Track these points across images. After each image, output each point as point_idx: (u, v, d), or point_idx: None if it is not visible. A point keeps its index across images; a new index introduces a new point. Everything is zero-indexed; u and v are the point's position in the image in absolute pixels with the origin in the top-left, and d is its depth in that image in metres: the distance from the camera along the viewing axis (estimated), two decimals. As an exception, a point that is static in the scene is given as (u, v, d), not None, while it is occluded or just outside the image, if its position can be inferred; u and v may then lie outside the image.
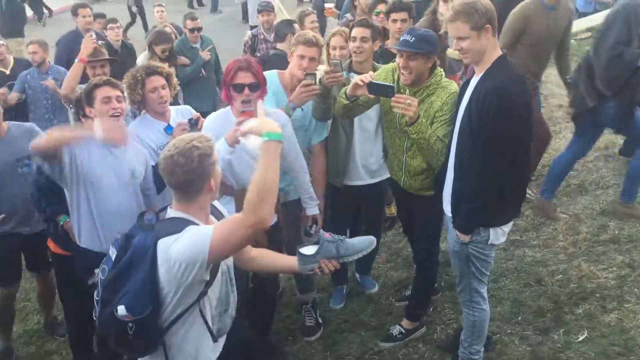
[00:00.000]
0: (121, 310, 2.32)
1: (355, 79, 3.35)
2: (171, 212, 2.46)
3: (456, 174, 3.23)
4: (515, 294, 4.41)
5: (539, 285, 4.48)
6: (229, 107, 3.55)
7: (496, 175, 3.06)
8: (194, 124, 3.57)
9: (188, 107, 4.09)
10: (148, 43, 6.11)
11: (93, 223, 3.32)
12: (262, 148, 2.30)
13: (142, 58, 6.26)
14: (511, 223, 3.33)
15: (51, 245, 3.78)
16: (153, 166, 3.45)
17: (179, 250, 2.26)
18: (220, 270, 2.52)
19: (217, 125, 3.44)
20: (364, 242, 2.73)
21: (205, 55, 6.64)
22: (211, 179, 2.41)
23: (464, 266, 3.37)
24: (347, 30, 4.20)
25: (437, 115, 3.39)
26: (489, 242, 3.24)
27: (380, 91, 3.29)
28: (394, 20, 4.99)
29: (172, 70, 3.89)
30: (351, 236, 4.50)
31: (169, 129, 3.68)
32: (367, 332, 4.23)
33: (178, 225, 2.35)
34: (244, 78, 3.34)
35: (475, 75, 3.16)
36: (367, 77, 3.30)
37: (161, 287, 2.32)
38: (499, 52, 3.09)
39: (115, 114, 3.29)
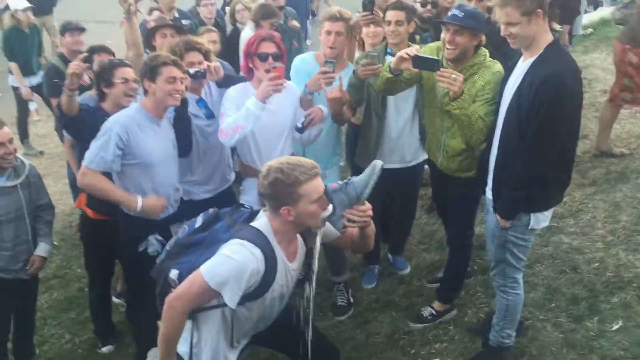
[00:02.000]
0: (173, 274, 2.55)
1: (401, 52, 3.33)
2: (261, 217, 2.60)
3: (500, 159, 3.20)
4: (550, 281, 4.37)
5: (575, 272, 4.42)
6: (248, 82, 3.65)
7: (543, 164, 3.02)
8: (197, 75, 3.56)
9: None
10: (254, 19, 5.56)
11: (144, 195, 3.40)
12: None
13: (247, 32, 5.68)
14: (552, 209, 3.29)
15: (88, 210, 3.83)
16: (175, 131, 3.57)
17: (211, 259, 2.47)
18: (268, 296, 2.59)
19: (240, 97, 3.54)
20: (368, 171, 2.63)
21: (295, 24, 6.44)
22: (286, 207, 2.46)
23: (501, 251, 3.35)
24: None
25: (479, 94, 3.35)
26: (529, 227, 3.21)
27: (426, 65, 3.25)
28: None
29: (211, 47, 3.92)
30: (386, 223, 4.58)
31: (200, 103, 3.73)
32: (398, 312, 4.25)
33: (252, 236, 2.47)
34: (269, 48, 3.52)
35: (523, 60, 3.09)
36: (413, 50, 3.27)
37: None
38: (550, 37, 3.01)
39: (177, 95, 3.33)
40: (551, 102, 2.90)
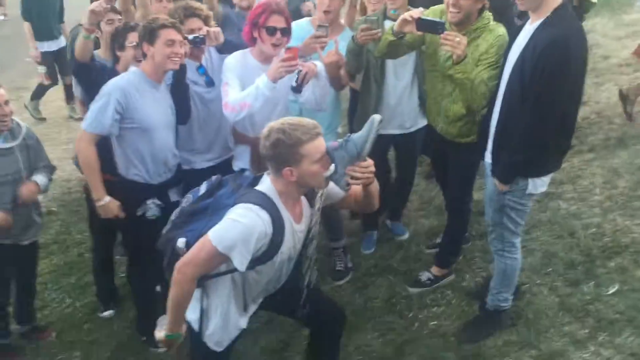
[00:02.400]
0: (180, 242, 2.52)
1: (404, 14, 3.28)
2: (265, 181, 2.57)
3: (501, 124, 3.17)
4: (547, 246, 4.39)
5: (572, 237, 4.44)
6: (247, 50, 3.55)
7: (543, 129, 2.99)
8: (195, 41, 3.50)
9: None
10: None
11: (142, 159, 3.41)
12: None
13: None
14: (551, 174, 3.29)
15: None
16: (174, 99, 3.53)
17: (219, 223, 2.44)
18: (277, 258, 2.58)
19: (240, 66, 3.48)
20: (367, 127, 2.56)
21: None
22: (288, 167, 2.44)
23: (499, 215, 3.36)
24: None
25: (482, 57, 3.32)
26: (527, 192, 3.21)
27: (429, 27, 3.20)
28: None
29: (211, 13, 3.86)
30: (385, 191, 4.56)
31: (201, 70, 3.68)
32: (396, 277, 4.29)
33: (257, 199, 2.45)
34: (278, 22, 3.37)
35: (530, 22, 3.04)
36: (417, 12, 3.22)
37: None
38: (557, 1, 2.95)
39: (176, 59, 3.29)
40: (554, 66, 2.85)
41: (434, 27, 3.17)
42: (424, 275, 4.18)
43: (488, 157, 3.32)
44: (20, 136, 3.54)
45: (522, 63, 2.99)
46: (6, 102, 3.40)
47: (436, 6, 3.61)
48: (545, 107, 2.94)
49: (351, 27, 4.12)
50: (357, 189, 2.68)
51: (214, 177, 2.71)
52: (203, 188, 2.68)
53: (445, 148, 3.83)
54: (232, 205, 2.45)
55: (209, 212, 2.55)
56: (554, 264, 4.20)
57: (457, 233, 4.12)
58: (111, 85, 3.29)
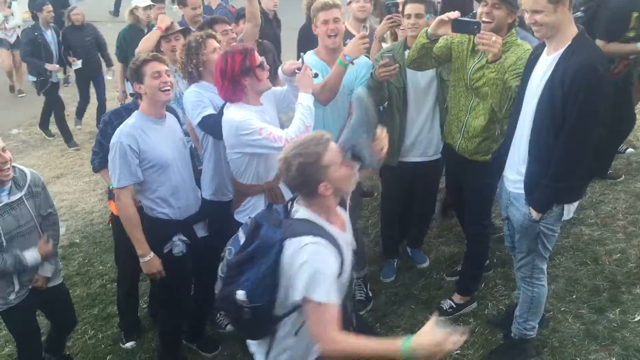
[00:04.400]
0: (240, 295, 2.36)
1: (441, 15, 3.33)
2: (299, 209, 2.47)
3: (533, 154, 3.14)
4: (571, 272, 4.34)
5: (596, 264, 4.39)
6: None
7: (582, 155, 2.98)
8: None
9: None
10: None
11: (164, 197, 3.44)
12: None
13: None
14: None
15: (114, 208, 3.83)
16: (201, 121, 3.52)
17: (301, 276, 2.28)
18: (343, 278, 2.50)
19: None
20: (357, 105, 2.53)
21: None
22: (322, 184, 2.36)
23: (532, 243, 3.30)
24: None
25: (511, 68, 3.34)
26: (563, 218, 3.19)
27: (465, 28, 3.23)
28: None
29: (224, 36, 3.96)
30: (405, 219, 4.59)
31: None
32: (418, 305, 4.25)
33: (305, 228, 2.36)
34: (258, 55, 3.33)
35: (547, 53, 3.04)
36: (453, 14, 3.27)
37: (280, 282, 2.35)
38: (576, 29, 2.97)
39: (166, 89, 3.35)
40: (589, 92, 2.85)
41: (470, 28, 3.20)
42: (446, 304, 4.14)
43: (514, 187, 3.29)
44: (26, 184, 3.40)
45: (550, 91, 2.97)
46: (3, 149, 3.22)
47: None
48: (582, 134, 2.93)
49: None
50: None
51: (248, 221, 2.58)
52: (242, 235, 2.54)
53: (461, 170, 3.83)
54: (281, 241, 2.34)
55: (257, 255, 2.41)
56: (578, 291, 4.14)
57: (477, 260, 4.09)
58: (117, 135, 3.32)
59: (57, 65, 7.97)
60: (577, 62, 2.87)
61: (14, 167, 3.32)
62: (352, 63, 3.61)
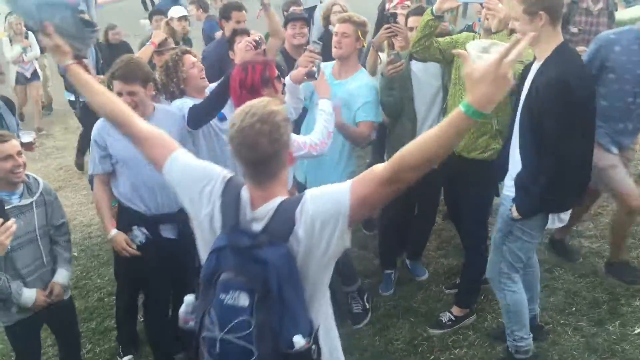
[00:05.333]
0: (298, 341, 1.86)
1: None
2: (259, 209, 1.98)
3: (523, 162, 3.16)
4: (570, 285, 4.33)
5: (595, 276, 4.38)
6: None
7: (565, 169, 2.98)
8: (260, 43, 3.57)
9: None
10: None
11: (135, 190, 3.54)
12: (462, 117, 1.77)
13: None
14: (570, 211, 3.27)
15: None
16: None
17: (317, 207, 1.90)
18: None
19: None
20: None
21: None
22: (287, 151, 2.03)
23: (500, 239, 3.33)
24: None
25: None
26: (544, 226, 3.20)
27: None
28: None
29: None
30: (404, 230, 4.60)
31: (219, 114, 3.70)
32: (417, 318, 4.23)
33: (284, 219, 1.93)
34: (274, 66, 3.35)
35: (536, 61, 3.10)
36: None
37: (302, 276, 1.94)
38: (558, 41, 2.99)
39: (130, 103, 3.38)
40: (558, 107, 2.88)
41: None
42: (445, 316, 4.12)
43: (506, 190, 3.31)
44: (38, 191, 3.39)
45: (528, 102, 3.03)
46: (19, 153, 3.28)
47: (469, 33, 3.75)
48: (561, 149, 2.95)
49: (371, 70, 4.19)
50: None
51: (229, 276, 1.91)
52: (238, 296, 1.88)
53: (459, 173, 3.83)
54: (287, 254, 1.90)
55: (282, 290, 1.88)
56: (577, 303, 4.13)
57: (475, 272, 4.07)
58: (94, 128, 3.55)
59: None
60: (550, 77, 2.92)
61: (27, 174, 3.37)
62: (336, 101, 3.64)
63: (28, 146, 4.61)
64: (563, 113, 2.89)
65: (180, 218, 3.59)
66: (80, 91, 2.40)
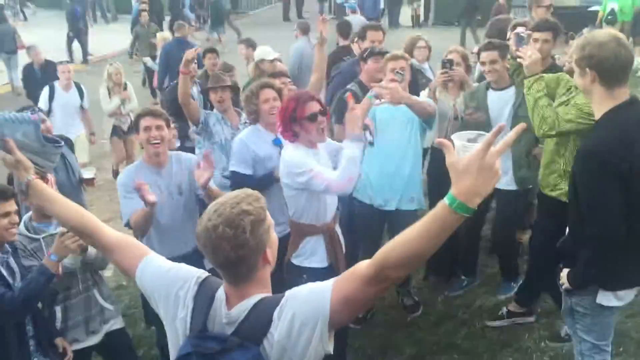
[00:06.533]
0: None
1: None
2: (233, 310, 1.84)
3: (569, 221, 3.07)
4: (617, 325, 4.22)
5: (644, 316, 4.29)
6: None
7: (600, 239, 2.77)
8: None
9: None
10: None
11: (151, 235, 3.64)
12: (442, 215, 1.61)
13: None
14: (633, 290, 3.03)
15: None
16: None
17: (297, 307, 1.78)
18: None
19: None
20: None
21: None
22: (267, 249, 1.85)
23: (570, 320, 3.15)
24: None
25: (560, 92, 3.58)
26: (596, 301, 2.92)
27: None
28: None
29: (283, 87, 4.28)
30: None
31: (276, 141, 3.87)
32: (460, 356, 4.22)
33: (260, 320, 1.80)
34: (314, 107, 3.33)
35: None
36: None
37: None
38: (610, 104, 2.75)
39: (154, 142, 3.56)
40: (584, 176, 2.77)
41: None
42: (503, 310, 4.44)
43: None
44: None
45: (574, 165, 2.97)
46: (16, 212, 3.19)
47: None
48: (595, 221, 2.76)
49: None
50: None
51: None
52: None
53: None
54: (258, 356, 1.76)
55: None
56: (624, 344, 4.06)
57: (534, 273, 4.24)
58: (118, 180, 3.72)
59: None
60: (583, 144, 2.94)
61: None
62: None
63: (89, 182, 4.82)
64: (593, 186, 2.73)
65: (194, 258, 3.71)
66: (44, 206, 2.35)
